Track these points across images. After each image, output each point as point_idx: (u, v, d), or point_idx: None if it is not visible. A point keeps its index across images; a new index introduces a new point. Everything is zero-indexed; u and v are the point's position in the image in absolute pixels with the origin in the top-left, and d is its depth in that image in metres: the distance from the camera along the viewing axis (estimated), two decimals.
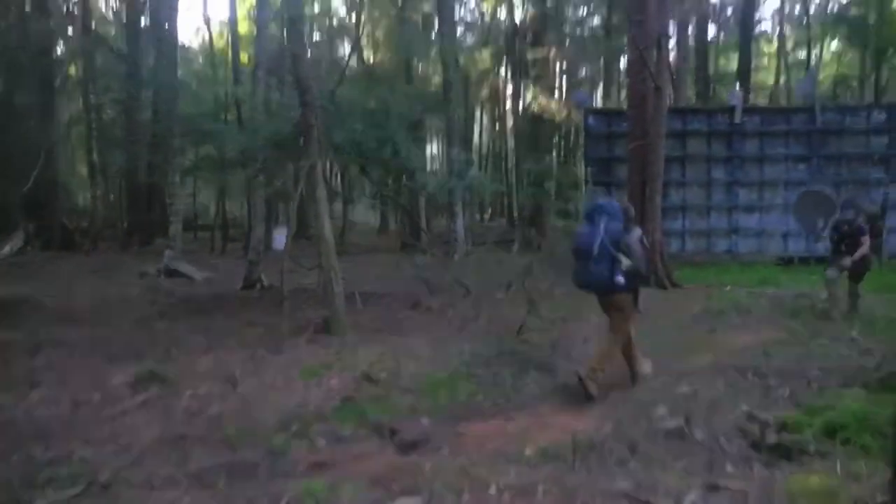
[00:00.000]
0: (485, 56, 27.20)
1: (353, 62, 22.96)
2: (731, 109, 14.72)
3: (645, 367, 5.38)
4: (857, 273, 7.79)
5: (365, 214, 29.22)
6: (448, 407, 4.94)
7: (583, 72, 28.08)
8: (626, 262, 4.92)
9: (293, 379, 5.36)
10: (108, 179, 26.08)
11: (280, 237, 19.32)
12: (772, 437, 3.96)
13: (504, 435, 4.30)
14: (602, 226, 4.94)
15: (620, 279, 4.92)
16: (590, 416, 4.64)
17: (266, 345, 6.59)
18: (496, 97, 30.94)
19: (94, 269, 15.03)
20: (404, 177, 10.09)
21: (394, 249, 16.34)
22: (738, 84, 18.20)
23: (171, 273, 13.09)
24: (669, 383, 5.29)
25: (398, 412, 4.77)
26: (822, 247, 8.41)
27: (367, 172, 9.48)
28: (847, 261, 7.64)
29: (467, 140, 28.76)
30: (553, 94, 24.97)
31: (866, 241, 7.65)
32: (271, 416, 4.54)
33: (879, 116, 14.44)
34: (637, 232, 5.27)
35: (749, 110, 15.20)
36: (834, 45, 29.38)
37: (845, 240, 7.77)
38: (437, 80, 23.17)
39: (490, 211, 38.10)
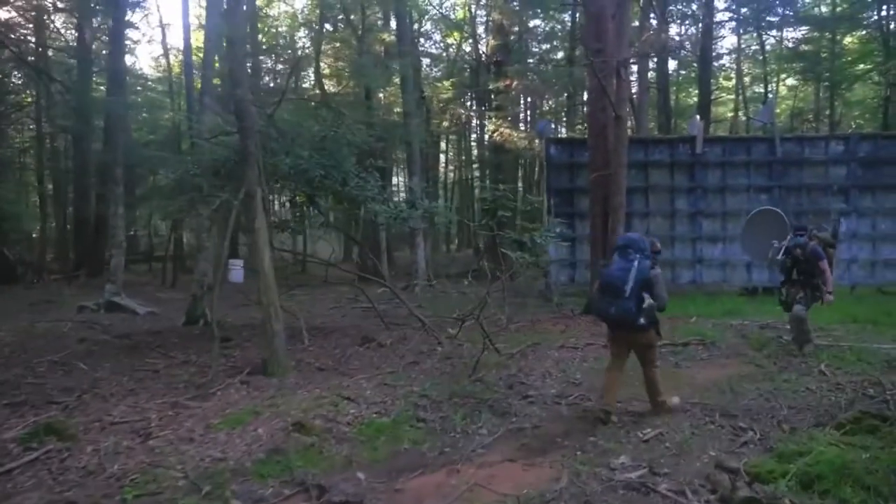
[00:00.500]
0: (448, 86, 27.11)
1: (314, 92, 22.64)
2: (693, 139, 14.67)
3: (613, 413, 5.09)
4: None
5: (328, 245, 28.62)
6: (388, 458, 4.43)
7: (546, 103, 28.13)
8: (648, 301, 4.88)
9: (215, 428, 4.78)
10: (59, 209, 25.10)
11: (236, 269, 18.68)
12: (743, 490, 3.60)
13: (448, 490, 3.86)
14: (636, 264, 4.86)
15: (646, 320, 4.90)
16: (544, 465, 4.24)
17: (194, 388, 6.00)
18: (460, 127, 30.84)
19: (33, 302, 14.24)
20: (362, 207, 9.65)
21: (352, 281, 15.80)
22: (697, 115, 18.18)
23: (112, 307, 12.33)
24: (632, 425, 4.93)
25: (331, 466, 4.25)
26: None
27: (314, 202, 8.99)
28: (829, 296, 7.19)
29: (431, 170, 28.48)
30: (516, 124, 24.95)
31: (826, 266, 7.20)
32: (182, 474, 3.97)
33: (837, 147, 14.54)
34: (658, 269, 5.10)
35: (710, 140, 15.16)
36: (790, 80, 30.05)
37: (799, 264, 7.37)
38: (399, 109, 22.94)
39: (457, 241, 37.74)
